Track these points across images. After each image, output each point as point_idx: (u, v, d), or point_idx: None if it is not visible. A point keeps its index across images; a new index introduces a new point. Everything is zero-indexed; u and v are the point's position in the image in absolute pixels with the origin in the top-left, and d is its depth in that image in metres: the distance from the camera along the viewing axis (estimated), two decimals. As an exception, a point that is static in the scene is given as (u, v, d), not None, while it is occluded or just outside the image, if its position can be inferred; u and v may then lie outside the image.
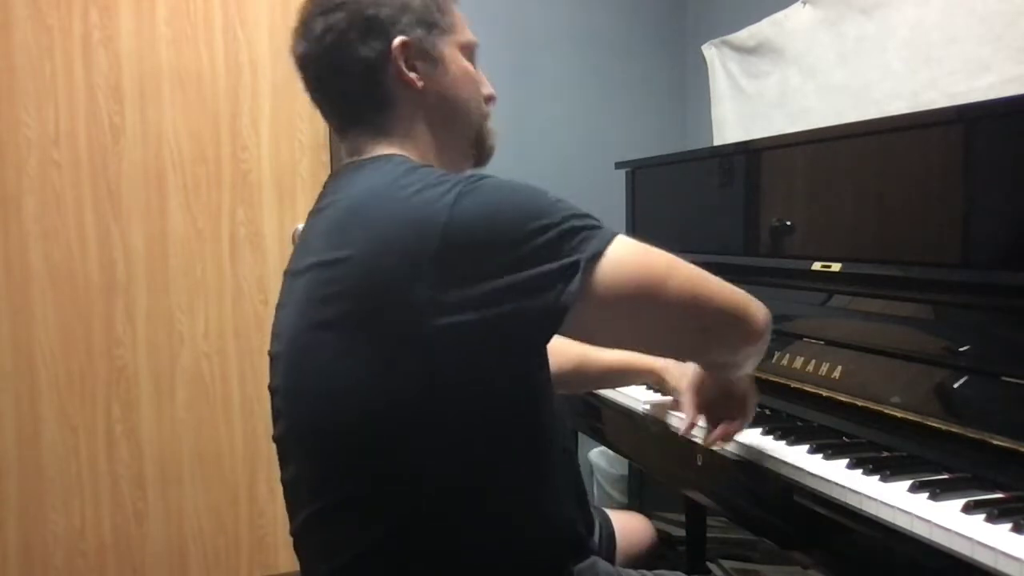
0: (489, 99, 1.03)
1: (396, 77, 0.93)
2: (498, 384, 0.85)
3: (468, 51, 1.01)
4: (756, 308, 0.90)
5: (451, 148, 0.99)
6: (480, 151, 1.03)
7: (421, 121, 0.96)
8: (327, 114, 0.99)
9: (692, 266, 0.86)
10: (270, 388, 0.96)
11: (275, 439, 0.96)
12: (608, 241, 0.81)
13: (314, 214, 0.95)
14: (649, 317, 0.85)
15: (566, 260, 0.79)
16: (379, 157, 0.93)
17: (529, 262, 0.78)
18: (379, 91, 0.94)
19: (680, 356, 0.92)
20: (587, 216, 0.83)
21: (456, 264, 0.78)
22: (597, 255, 0.80)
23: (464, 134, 1.01)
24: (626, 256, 0.82)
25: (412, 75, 0.94)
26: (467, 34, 1.01)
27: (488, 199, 0.81)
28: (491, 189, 0.82)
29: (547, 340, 0.84)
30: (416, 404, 0.82)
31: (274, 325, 0.96)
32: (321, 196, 0.97)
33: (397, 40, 0.93)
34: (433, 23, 0.97)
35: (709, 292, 0.87)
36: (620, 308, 0.83)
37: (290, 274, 0.95)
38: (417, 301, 0.79)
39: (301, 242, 0.96)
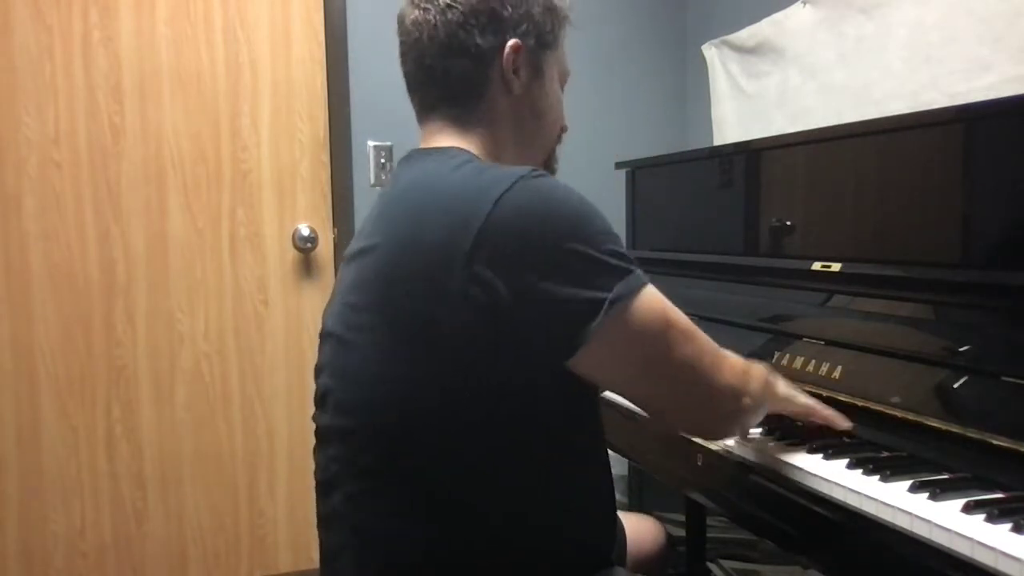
0: (562, 130, 1.05)
1: (500, 75, 0.94)
2: (520, 386, 0.83)
3: (562, 79, 1.03)
4: (753, 397, 0.92)
5: (524, 159, 0.98)
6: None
7: (505, 124, 0.97)
8: (417, 86, 0.98)
9: (707, 338, 0.87)
10: (316, 367, 0.97)
11: (315, 418, 0.97)
12: (636, 289, 0.81)
13: (378, 199, 0.97)
14: (653, 374, 0.85)
15: (593, 294, 0.79)
16: (447, 149, 0.93)
17: (557, 278, 0.78)
18: (480, 80, 0.94)
19: (677, 420, 0.94)
20: (625, 256, 0.82)
21: (487, 257, 0.78)
22: (622, 299, 0.80)
23: (538, 153, 1.02)
24: (649, 311, 0.82)
25: (514, 78, 0.95)
26: (567, 63, 1.03)
27: (536, 198, 0.81)
28: (545, 189, 0.82)
29: (558, 363, 0.82)
30: (436, 397, 0.82)
31: (326, 307, 0.98)
32: (389, 181, 0.99)
33: (512, 41, 0.94)
34: (547, 39, 0.98)
35: (717, 366, 0.88)
36: (629, 357, 0.83)
37: (344, 259, 0.97)
38: (440, 294, 0.79)
39: (359, 228, 0.97)
